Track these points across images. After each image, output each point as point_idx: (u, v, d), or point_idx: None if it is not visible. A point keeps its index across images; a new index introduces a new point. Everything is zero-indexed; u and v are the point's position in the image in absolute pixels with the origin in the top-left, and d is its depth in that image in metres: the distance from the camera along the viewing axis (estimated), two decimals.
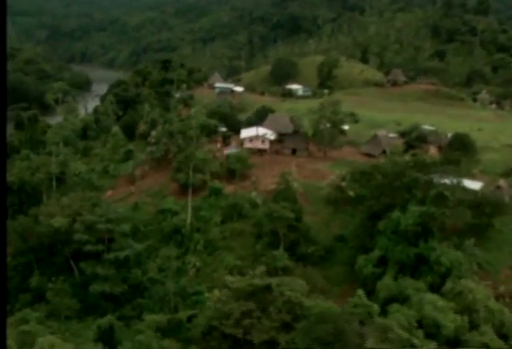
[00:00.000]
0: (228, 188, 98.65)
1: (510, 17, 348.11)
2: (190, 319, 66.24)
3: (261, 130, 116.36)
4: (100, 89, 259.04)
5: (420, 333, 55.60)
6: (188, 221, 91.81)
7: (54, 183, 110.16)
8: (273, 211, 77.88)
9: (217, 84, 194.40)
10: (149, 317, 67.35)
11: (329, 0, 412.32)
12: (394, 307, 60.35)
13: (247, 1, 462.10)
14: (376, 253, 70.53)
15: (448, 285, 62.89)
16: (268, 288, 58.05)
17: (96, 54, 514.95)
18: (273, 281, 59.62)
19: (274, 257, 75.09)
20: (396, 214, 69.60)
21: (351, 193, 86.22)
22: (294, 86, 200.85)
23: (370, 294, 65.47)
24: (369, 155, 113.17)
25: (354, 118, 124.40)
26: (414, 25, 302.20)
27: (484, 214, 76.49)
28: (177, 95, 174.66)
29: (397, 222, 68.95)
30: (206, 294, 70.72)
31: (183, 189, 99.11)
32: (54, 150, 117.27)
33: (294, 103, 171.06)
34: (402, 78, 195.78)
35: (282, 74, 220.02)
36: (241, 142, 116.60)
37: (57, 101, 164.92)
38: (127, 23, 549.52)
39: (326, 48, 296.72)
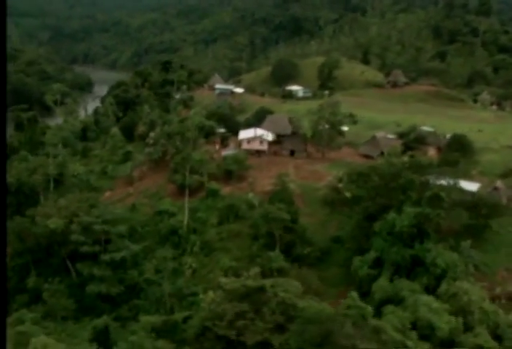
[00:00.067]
0: (225, 189, 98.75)
1: None
2: (185, 320, 66.10)
3: (259, 131, 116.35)
4: (102, 90, 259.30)
5: (414, 334, 55.38)
6: (185, 222, 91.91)
7: (51, 184, 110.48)
8: (269, 213, 77.87)
9: (217, 85, 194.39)
10: (144, 318, 67.31)
11: (331, 1, 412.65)
12: (389, 308, 60.17)
13: (249, 2, 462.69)
14: (372, 254, 70.39)
15: (443, 286, 62.67)
16: (261, 289, 57.78)
17: (98, 55, 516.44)
18: (267, 282, 59.36)
19: (270, 258, 75.05)
20: (391, 215, 69.47)
21: (348, 194, 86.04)
22: (295, 88, 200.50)
23: (366, 295, 65.47)
24: (367, 156, 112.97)
25: (353, 119, 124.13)
26: (415, 26, 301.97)
27: (480, 215, 76.33)
28: (177, 96, 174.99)
29: (392, 224, 68.82)
30: (201, 296, 70.58)
31: (181, 190, 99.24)
32: (51, 152, 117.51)
33: (294, 104, 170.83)
34: (402, 79, 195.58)
35: (283, 75, 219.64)
36: (240, 144, 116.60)
37: (56, 102, 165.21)
38: (129, 24, 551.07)
39: (328, 49, 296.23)
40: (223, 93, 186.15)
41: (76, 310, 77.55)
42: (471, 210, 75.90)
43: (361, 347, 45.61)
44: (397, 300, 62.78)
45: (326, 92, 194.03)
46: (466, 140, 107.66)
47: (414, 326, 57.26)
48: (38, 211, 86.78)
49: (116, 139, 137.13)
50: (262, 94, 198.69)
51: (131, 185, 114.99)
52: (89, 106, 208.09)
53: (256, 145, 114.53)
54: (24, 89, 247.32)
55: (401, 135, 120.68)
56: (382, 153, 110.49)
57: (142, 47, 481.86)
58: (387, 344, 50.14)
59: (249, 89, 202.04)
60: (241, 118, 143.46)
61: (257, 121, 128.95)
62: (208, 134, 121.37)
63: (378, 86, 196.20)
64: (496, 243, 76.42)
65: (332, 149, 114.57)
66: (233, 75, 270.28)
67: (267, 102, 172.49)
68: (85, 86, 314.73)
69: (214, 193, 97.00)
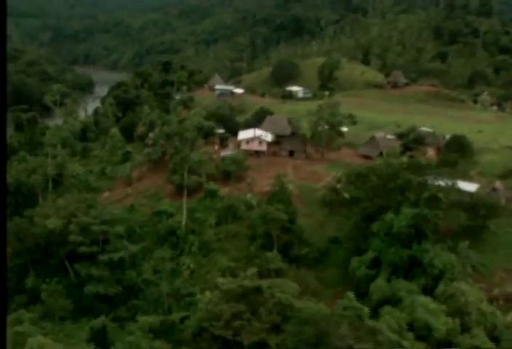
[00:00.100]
0: (224, 190, 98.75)
1: None
2: (182, 320, 66.15)
3: (259, 132, 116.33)
4: (103, 90, 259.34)
5: (411, 335, 55.30)
6: (183, 223, 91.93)
7: (50, 185, 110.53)
8: (267, 213, 77.80)
9: (217, 86, 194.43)
10: (142, 318, 67.33)
11: (332, 2, 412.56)
12: (386, 309, 60.06)
13: (250, 3, 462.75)
14: (369, 255, 70.38)
15: (440, 287, 62.60)
16: (258, 289, 57.85)
17: (99, 55, 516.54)
18: (264, 282, 59.46)
19: (267, 259, 74.95)
20: (389, 215, 69.44)
21: (346, 195, 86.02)
22: (295, 88, 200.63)
23: (363, 296, 65.47)
24: (366, 157, 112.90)
25: (353, 120, 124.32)
26: (416, 27, 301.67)
27: (479, 216, 76.29)
28: (177, 97, 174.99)
29: (390, 224, 68.78)
30: (199, 296, 70.57)
31: (179, 191, 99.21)
32: (51, 152, 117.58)
33: (294, 105, 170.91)
34: (403, 79, 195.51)
35: (283, 76, 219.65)
36: (239, 144, 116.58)
37: (56, 103, 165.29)
38: (131, 25, 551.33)
39: (328, 49, 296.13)
40: (223, 94, 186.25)
41: (73, 310, 77.43)
42: (469, 211, 75.83)
43: (356, 347, 45.53)
44: (394, 301, 62.73)
45: (326, 93, 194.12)
46: (465, 141, 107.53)
47: (411, 326, 57.24)
48: (36, 212, 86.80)
49: (116, 140, 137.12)
50: (263, 95, 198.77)
51: (130, 186, 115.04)
52: (89, 107, 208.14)
53: (255, 146, 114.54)
54: (24, 89, 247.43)
55: (400, 136, 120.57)
56: (381, 154, 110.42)
57: (143, 48, 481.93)
58: (383, 345, 50.08)
59: (250, 90, 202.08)
60: (241, 118, 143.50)
61: (256, 121, 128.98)
62: (207, 134, 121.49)
63: (378, 86, 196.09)
64: (494, 244, 76.30)
65: (331, 150, 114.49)
66: (233, 76, 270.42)
67: (267, 102, 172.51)
68: (86, 87, 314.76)
69: (212, 194, 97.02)
